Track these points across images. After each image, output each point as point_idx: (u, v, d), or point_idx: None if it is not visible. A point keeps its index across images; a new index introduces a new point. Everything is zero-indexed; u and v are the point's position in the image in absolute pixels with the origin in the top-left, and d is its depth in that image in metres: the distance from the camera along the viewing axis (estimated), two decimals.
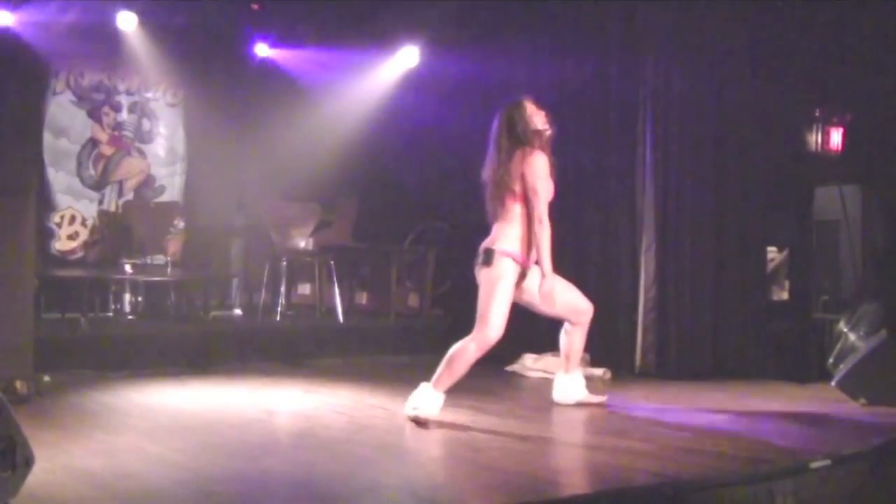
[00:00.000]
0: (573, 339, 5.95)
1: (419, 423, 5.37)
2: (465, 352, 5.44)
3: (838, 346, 6.60)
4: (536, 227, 5.50)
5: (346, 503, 3.87)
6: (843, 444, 4.95)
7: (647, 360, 7.52)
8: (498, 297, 5.45)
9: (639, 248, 7.65)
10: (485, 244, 5.59)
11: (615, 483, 4.23)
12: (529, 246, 5.57)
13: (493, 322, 5.43)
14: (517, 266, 5.55)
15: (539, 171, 5.52)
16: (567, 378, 6.05)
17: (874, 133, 7.61)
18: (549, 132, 5.66)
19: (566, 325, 5.95)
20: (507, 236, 5.55)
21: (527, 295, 5.64)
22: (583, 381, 6.10)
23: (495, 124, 5.71)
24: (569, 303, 5.82)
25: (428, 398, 5.43)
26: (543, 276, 5.51)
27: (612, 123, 7.93)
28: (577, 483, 4.56)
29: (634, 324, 7.64)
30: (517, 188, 5.53)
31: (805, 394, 6.70)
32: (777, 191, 7.69)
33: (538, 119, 5.65)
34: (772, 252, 8.21)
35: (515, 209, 5.56)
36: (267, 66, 10.34)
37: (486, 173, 5.71)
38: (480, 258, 5.56)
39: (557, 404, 6.04)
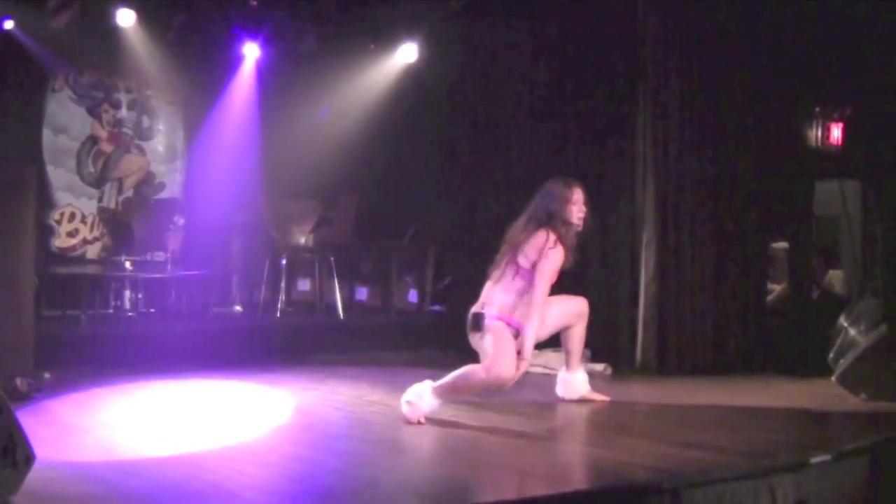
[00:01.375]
0: (573, 335, 5.96)
1: (409, 420, 5.29)
2: (474, 376, 5.37)
3: (838, 342, 6.60)
4: (533, 312, 5.42)
5: (346, 499, 3.87)
6: (843, 440, 4.96)
7: (648, 356, 7.52)
8: (503, 354, 5.36)
9: (639, 244, 7.65)
10: (474, 308, 5.57)
11: (615, 478, 4.23)
12: (520, 315, 5.50)
13: (500, 363, 5.32)
14: (505, 325, 5.49)
15: (553, 266, 5.52)
16: (570, 375, 6.06)
17: (874, 128, 7.61)
18: (579, 228, 5.68)
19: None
20: (495, 301, 5.52)
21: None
22: (586, 378, 6.10)
23: (542, 189, 5.76)
24: (561, 315, 5.84)
25: (426, 398, 5.33)
26: (521, 358, 5.38)
27: (611, 119, 7.91)
28: (577, 478, 4.55)
29: (635, 319, 7.64)
30: (524, 265, 5.53)
31: (805, 389, 6.70)
32: (777, 186, 7.68)
33: (576, 210, 5.68)
34: (781, 249, 8.22)
35: (516, 280, 5.54)
36: (266, 63, 10.34)
37: (510, 232, 5.71)
38: (470, 323, 5.53)
39: (560, 400, 6.05)
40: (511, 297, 5.53)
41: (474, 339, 5.54)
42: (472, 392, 5.53)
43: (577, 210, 5.68)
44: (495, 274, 5.64)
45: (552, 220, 5.60)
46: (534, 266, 5.51)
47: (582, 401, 6.01)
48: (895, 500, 4.76)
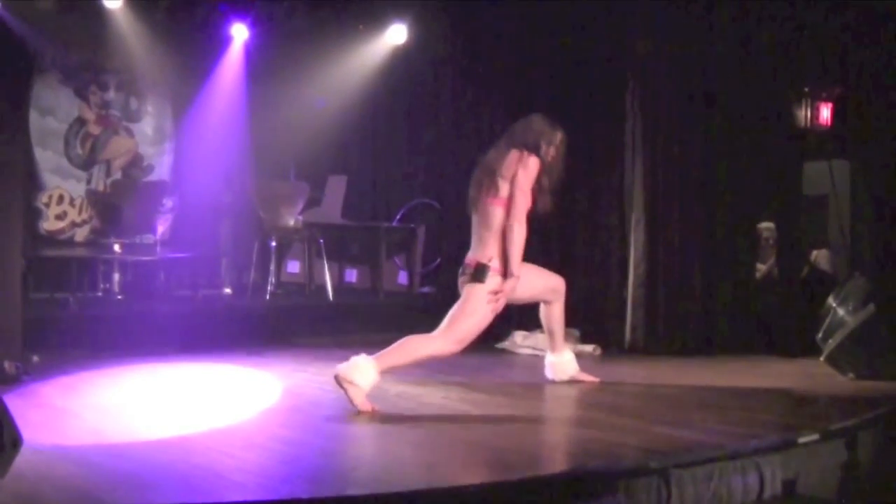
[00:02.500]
0: (553, 314, 5.90)
1: (342, 389, 5.13)
2: (425, 347, 5.28)
3: (827, 321, 6.62)
4: (514, 226, 5.35)
5: (335, 481, 3.88)
6: (831, 419, 4.97)
7: (637, 336, 7.53)
8: (477, 319, 5.32)
9: (628, 224, 7.66)
10: (476, 257, 5.44)
11: (604, 459, 4.23)
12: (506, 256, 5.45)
13: (461, 338, 5.29)
14: (500, 279, 5.41)
15: (530, 172, 5.43)
16: (556, 357, 6.04)
17: (863, 108, 7.61)
18: (552, 170, 5.60)
19: (542, 307, 5.93)
20: (497, 251, 5.41)
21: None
22: (573, 358, 6.09)
23: (524, 121, 5.70)
24: (544, 284, 5.79)
25: (364, 372, 5.14)
26: (509, 275, 5.35)
27: (599, 97, 7.91)
28: (565, 459, 4.57)
29: (624, 300, 7.65)
30: (504, 191, 5.43)
31: (793, 369, 6.73)
32: (766, 166, 7.68)
33: (553, 151, 5.62)
34: (767, 229, 8.23)
35: (497, 216, 5.43)
36: (255, 45, 10.29)
37: (486, 157, 5.64)
38: (470, 272, 5.40)
39: (548, 381, 6.05)
40: (500, 236, 5.41)
41: (467, 287, 5.40)
42: (415, 362, 5.35)
43: (554, 152, 5.61)
44: (480, 213, 5.51)
45: (529, 148, 5.52)
46: (514, 185, 5.40)
47: (571, 381, 6.02)
48: (877, 479, 4.79)
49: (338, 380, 5.15)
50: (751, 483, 4.18)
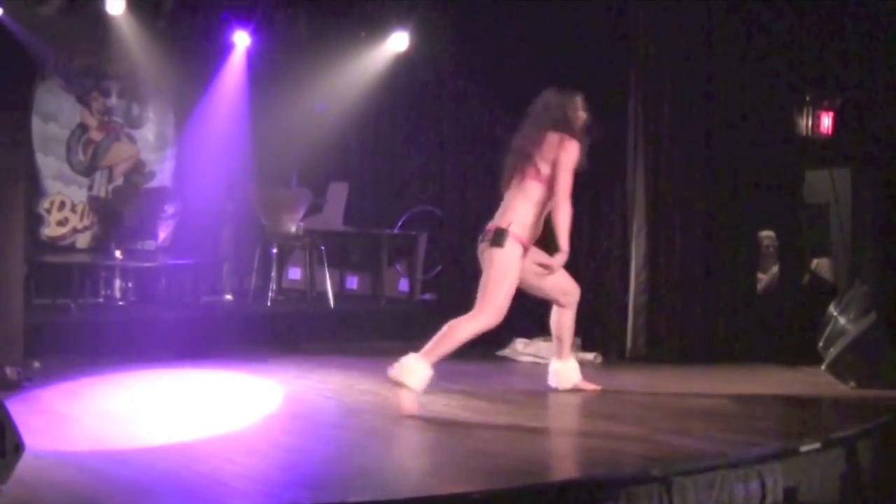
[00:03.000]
0: (563, 322, 5.94)
1: (400, 386, 5.22)
2: (465, 329, 5.36)
3: (828, 330, 6.62)
4: (563, 205, 5.47)
5: (336, 488, 3.87)
6: (832, 428, 4.97)
7: (638, 344, 7.53)
8: (507, 283, 5.41)
9: (630, 232, 7.66)
10: (496, 222, 5.54)
11: (606, 467, 4.24)
12: (535, 231, 5.57)
13: (499, 305, 5.38)
14: (522, 249, 5.52)
15: (573, 157, 5.54)
16: (561, 365, 6.04)
17: (864, 116, 7.62)
18: (582, 137, 5.68)
19: (554, 309, 5.95)
20: (519, 218, 5.50)
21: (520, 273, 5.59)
22: (577, 366, 6.10)
23: (542, 100, 5.76)
24: (557, 282, 5.81)
25: (416, 369, 5.25)
26: (560, 251, 5.48)
27: (602, 104, 7.90)
28: (567, 467, 4.57)
29: (625, 307, 7.64)
30: (545, 170, 5.53)
31: (795, 377, 6.73)
32: (767, 174, 7.69)
33: (581, 117, 5.72)
34: (767, 237, 8.23)
35: (536, 190, 5.55)
36: (257, 51, 10.30)
37: (517, 141, 5.70)
38: (490, 237, 5.49)
39: (550, 389, 6.05)
40: (532, 214, 5.53)
41: (487, 253, 5.49)
42: (461, 343, 5.40)
43: (578, 114, 5.70)
44: (514, 183, 5.62)
45: (556, 126, 5.61)
46: (553, 165, 5.51)
47: (574, 390, 6.01)
48: (878, 487, 4.79)
49: (391, 381, 5.27)
50: (752, 491, 4.18)
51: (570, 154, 5.54)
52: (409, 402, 5.23)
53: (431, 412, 5.33)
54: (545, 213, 5.61)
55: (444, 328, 5.38)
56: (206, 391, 6.18)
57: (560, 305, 5.90)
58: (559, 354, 6.04)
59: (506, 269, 5.42)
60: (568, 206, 5.51)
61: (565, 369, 6.04)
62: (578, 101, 5.76)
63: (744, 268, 7.73)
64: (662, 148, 7.55)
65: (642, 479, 3.98)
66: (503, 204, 5.64)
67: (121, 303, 8.91)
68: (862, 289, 6.67)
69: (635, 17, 7.66)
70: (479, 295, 5.44)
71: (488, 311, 5.38)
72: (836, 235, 8.57)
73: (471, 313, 5.41)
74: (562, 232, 5.49)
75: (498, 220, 5.54)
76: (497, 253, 5.44)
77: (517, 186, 5.60)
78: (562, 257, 5.51)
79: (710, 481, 4.07)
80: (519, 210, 5.53)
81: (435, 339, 5.36)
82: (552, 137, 5.57)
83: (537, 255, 5.68)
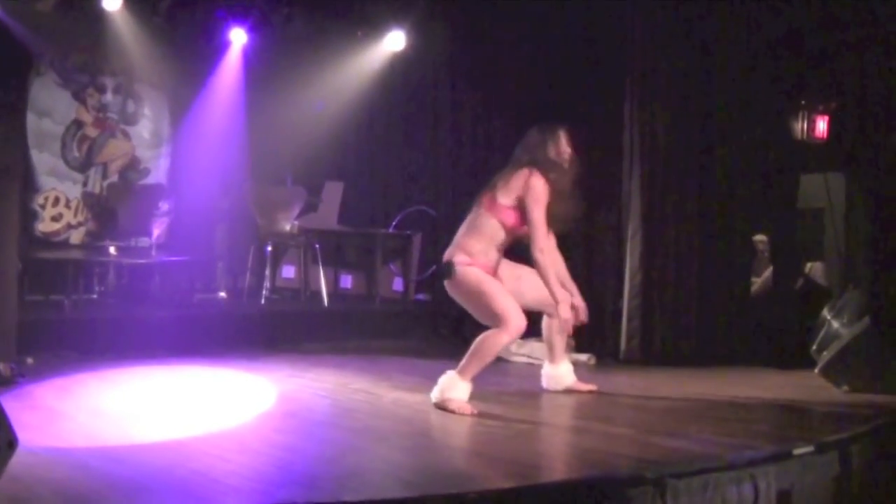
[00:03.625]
0: (554, 328, 5.93)
1: (447, 410, 5.27)
2: (496, 342, 5.34)
3: (822, 334, 6.63)
4: (537, 257, 5.37)
5: (330, 487, 3.87)
6: (825, 431, 4.98)
7: (632, 346, 7.55)
8: (493, 293, 5.34)
9: (624, 235, 7.67)
10: (445, 256, 5.52)
11: (599, 468, 4.24)
12: (488, 257, 5.46)
13: (511, 313, 5.31)
14: (479, 268, 5.43)
15: (537, 193, 5.40)
16: (553, 369, 6.06)
17: (859, 121, 7.63)
18: (565, 167, 5.59)
19: (546, 317, 5.94)
20: (468, 251, 5.43)
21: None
22: (570, 368, 6.10)
23: (524, 139, 5.71)
24: (538, 297, 5.72)
25: (456, 387, 5.31)
26: (558, 301, 5.39)
27: (597, 106, 7.92)
28: (561, 468, 4.57)
29: (619, 310, 7.66)
30: (503, 201, 5.45)
31: (788, 380, 6.73)
32: (762, 178, 7.70)
33: (564, 154, 5.62)
34: (761, 241, 8.25)
35: (488, 225, 5.46)
36: (253, 49, 10.29)
37: (494, 179, 5.64)
38: (442, 272, 5.49)
39: (545, 390, 6.06)
40: (483, 240, 5.43)
41: (451, 290, 5.47)
42: (496, 353, 5.43)
43: (561, 150, 5.61)
44: (472, 211, 5.56)
45: (535, 164, 5.51)
46: (518, 202, 5.41)
47: (568, 391, 6.02)
48: (871, 491, 4.80)
49: (439, 406, 5.32)
50: (746, 494, 4.19)
51: (534, 193, 5.39)
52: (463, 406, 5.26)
53: (425, 412, 5.33)
54: (503, 244, 5.52)
55: (476, 343, 5.38)
56: (200, 389, 6.18)
57: (551, 315, 5.88)
58: (551, 359, 6.05)
59: (477, 286, 5.37)
60: (543, 255, 5.38)
61: (557, 373, 6.05)
62: (561, 136, 5.65)
63: (738, 271, 7.75)
64: (657, 152, 7.56)
65: (635, 482, 3.98)
66: (460, 229, 5.58)
67: (114, 300, 8.89)
68: (856, 293, 6.69)
69: (631, 20, 7.67)
70: (487, 320, 5.41)
71: (507, 321, 5.30)
72: (829, 239, 8.59)
73: (495, 329, 5.38)
74: (549, 283, 5.40)
75: (447, 252, 5.52)
76: (454, 284, 5.43)
77: (475, 215, 5.52)
78: (564, 308, 5.40)
79: (703, 484, 4.08)
80: (468, 243, 5.46)
81: (468, 354, 5.37)
82: (522, 172, 5.49)
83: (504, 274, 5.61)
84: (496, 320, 5.34)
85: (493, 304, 5.33)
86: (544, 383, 6.08)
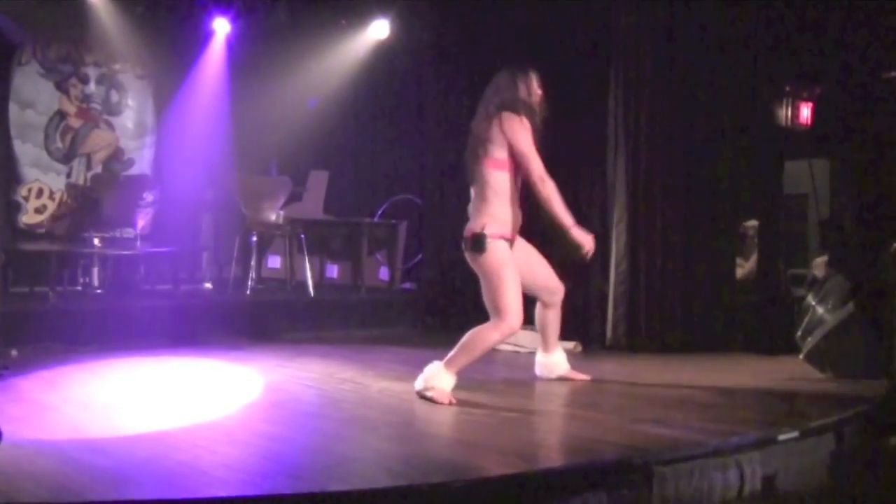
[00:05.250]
0: (548, 319, 5.92)
1: (429, 400, 5.26)
2: (486, 339, 5.34)
3: (806, 319, 6.66)
4: (539, 186, 5.34)
5: (317, 477, 3.87)
6: (809, 417, 5.00)
7: (618, 333, 7.56)
8: (507, 282, 5.30)
9: (610, 223, 7.67)
10: (471, 226, 5.38)
11: (586, 456, 4.25)
12: (514, 221, 5.44)
13: (511, 310, 5.28)
14: (508, 243, 5.42)
15: (517, 130, 5.35)
16: (547, 357, 6.06)
17: (843, 107, 7.65)
18: (536, 112, 5.54)
19: (539, 305, 5.94)
20: (492, 215, 5.34)
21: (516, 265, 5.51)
22: (564, 357, 6.09)
23: (493, 81, 5.63)
24: (547, 281, 5.78)
25: (440, 378, 5.30)
26: (568, 228, 5.42)
27: (583, 94, 7.92)
28: (547, 456, 4.57)
29: (605, 297, 7.68)
30: (500, 155, 5.37)
31: (773, 366, 6.76)
32: (747, 164, 7.72)
33: (534, 95, 5.58)
34: (752, 227, 8.27)
35: (499, 178, 5.37)
36: (237, 38, 10.25)
37: (473, 126, 5.57)
38: (469, 245, 5.34)
39: (530, 378, 6.06)
40: (504, 206, 5.37)
41: (473, 262, 5.39)
42: (486, 351, 5.43)
43: (532, 91, 5.56)
44: (477, 175, 5.44)
45: (506, 106, 5.44)
46: (510, 148, 5.36)
47: (561, 379, 6.02)
48: (859, 477, 4.82)
49: (420, 395, 5.32)
50: (731, 479, 4.21)
51: (513, 131, 5.35)
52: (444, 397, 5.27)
53: (412, 401, 5.33)
54: (518, 197, 5.49)
55: (466, 337, 5.36)
56: (185, 380, 6.17)
57: (545, 304, 5.88)
58: (544, 347, 6.05)
59: (498, 269, 5.31)
60: (545, 184, 5.35)
61: (550, 361, 6.05)
62: (531, 77, 5.60)
63: (723, 258, 7.76)
64: (642, 139, 7.57)
65: (622, 468, 3.99)
66: (472, 202, 5.49)
67: (99, 291, 8.87)
68: (840, 278, 6.71)
69: (616, 9, 7.67)
70: (488, 304, 5.36)
71: (504, 317, 5.28)
72: (813, 225, 8.62)
73: (491, 322, 5.35)
74: (555, 210, 5.39)
75: (472, 224, 5.39)
76: (482, 259, 5.33)
77: (480, 179, 5.42)
78: (579, 233, 5.46)
79: (688, 470, 4.09)
80: (489, 208, 5.36)
81: (458, 347, 5.36)
82: (494, 122, 5.41)
83: (530, 252, 5.67)
84: (496, 311, 5.32)
85: (501, 296, 5.29)
86: (537, 371, 6.08)
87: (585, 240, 5.52)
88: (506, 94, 5.52)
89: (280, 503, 3.54)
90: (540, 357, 6.09)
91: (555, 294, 5.86)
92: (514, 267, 5.37)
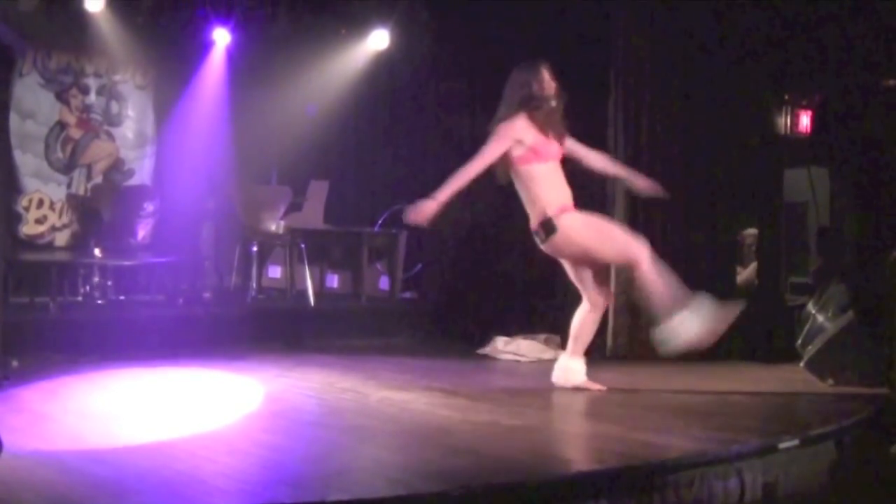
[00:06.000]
0: (586, 323, 5.95)
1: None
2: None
3: (806, 327, 6.66)
4: (590, 154, 5.84)
5: (317, 486, 3.87)
6: (810, 425, 5.00)
7: (619, 342, 7.55)
8: (604, 235, 5.64)
9: None
10: (535, 220, 5.67)
11: (586, 465, 4.25)
12: (567, 194, 5.73)
13: (631, 245, 5.63)
14: (572, 212, 5.68)
15: (492, 137, 5.64)
16: (571, 361, 6.00)
17: (842, 115, 7.66)
18: (553, 102, 5.71)
19: (582, 308, 5.95)
20: (545, 201, 5.64)
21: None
22: (583, 367, 6.04)
23: (510, 80, 5.85)
24: (602, 282, 5.91)
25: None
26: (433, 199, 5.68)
27: (582, 102, 7.91)
28: (548, 465, 4.57)
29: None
30: (518, 152, 5.64)
31: (774, 375, 6.76)
32: (746, 173, 7.73)
33: (545, 85, 5.70)
34: (751, 235, 8.28)
35: (535, 169, 5.66)
36: (237, 49, 10.26)
37: (495, 127, 5.79)
38: (543, 236, 5.63)
39: (531, 387, 6.06)
40: (553, 187, 5.68)
41: (554, 248, 5.68)
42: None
43: (545, 85, 5.70)
44: (514, 173, 5.73)
45: (524, 104, 5.67)
46: (529, 146, 5.62)
47: (577, 390, 5.98)
48: (860, 485, 4.82)
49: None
50: (731, 488, 4.21)
51: (492, 136, 5.64)
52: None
53: (413, 410, 5.33)
54: (562, 174, 5.74)
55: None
56: (185, 390, 6.16)
57: (590, 304, 5.91)
58: (571, 351, 6.01)
59: (586, 227, 5.64)
60: (472, 164, 5.65)
61: (572, 367, 6.00)
62: (543, 71, 5.78)
63: (723, 266, 7.76)
64: (642, 146, 7.57)
65: (623, 477, 3.99)
66: (524, 200, 5.76)
67: (100, 301, 8.85)
68: (840, 286, 6.71)
69: (616, 15, 7.68)
70: (615, 258, 5.76)
71: (637, 256, 5.59)
72: (813, 233, 8.63)
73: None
74: (614, 168, 5.96)
75: (535, 218, 5.68)
76: (561, 238, 5.60)
77: (516, 179, 5.72)
78: (638, 178, 5.84)
79: (689, 479, 4.10)
80: (538, 198, 5.66)
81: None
82: (521, 119, 5.67)
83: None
84: (625, 252, 5.61)
85: (616, 239, 5.66)
86: (555, 374, 6.04)
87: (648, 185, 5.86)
88: (523, 91, 5.72)
89: None
90: (563, 360, 6.05)
91: (602, 296, 5.95)
92: (590, 218, 5.72)
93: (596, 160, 6.01)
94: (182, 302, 8.91)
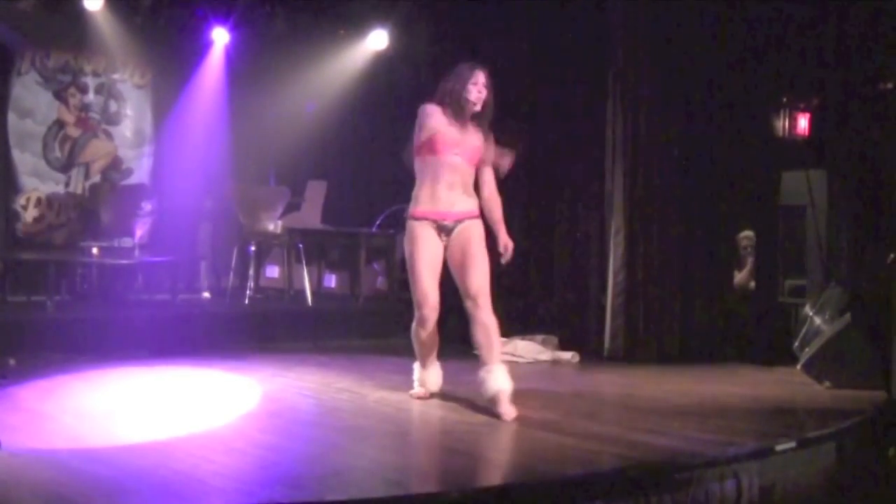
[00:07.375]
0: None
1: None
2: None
3: (804, 330, 6.66)
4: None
5: (314, 487, 3.87)
6: (807, 427, 5.01)
7: (616, 344, 7.55)
8: (409, 263, 5.55)
9: (607, 232, 7.68)
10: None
11: (583, 466, 4.25)
12: (439, 198, 5.55)
13: (421, 298, 5.50)
14: (428, 223, 5.54)
15: (418, 119, 5.56)
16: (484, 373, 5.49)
17: (840, 118, 7.66)
18: (476, 108, 5.52)
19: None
20: (415, 194, 5.67)
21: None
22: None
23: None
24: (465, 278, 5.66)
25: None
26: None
27: (581, 104, 7.94)
28: (544, 466, 4.57)
29: (603, 308, 7.67)
30: (420, 140, 5.59)
31: (771, 377, 6.77)
32: (744, 175, 7.73)
33: (474, 89, 5.53)
34: (746, 237, 8.28)
35: (420, 161, 5.65)
36: (235, 48, 10.26)
37: None
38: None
39: (527, 388, 6.05)
40: (422, 181, 5.68)
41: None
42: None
43: (474, 90, 5.54)
44: None
45: (443, 96, 5.55)
46: (430, 135, 5.55)
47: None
48: (857, 487, 4.82)
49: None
50: (728, 490, 4.21)
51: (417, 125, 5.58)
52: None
53: (408, 411, 5.34)
54: (455, 180, 5.63)
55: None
56: (183, 389, 6.16)
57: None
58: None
59: (407, 250, 5.71)
60: (492, 192, 5.69)
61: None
62: (478, 75, 5.57)
63: (721, 269, 7.77)
64: (640, 149, 7.57)
65: (619, 479, 4.00)
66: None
67: (97, 300, 8.86)
68: (837, 290, 6.72)
69: (614, 18, 7.68)
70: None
71: (416, 306, 5.66)
72: (811, 236, 8.62)
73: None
74: (491, 216, 5.72)
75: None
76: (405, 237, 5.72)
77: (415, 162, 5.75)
78: (502, 233, 5.65)
79: (686, 480, 4.09)
80: (416, 188, 5.72)
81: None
82: (431, 105, 5.61)
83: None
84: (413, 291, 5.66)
85: (413, 274, 5.68)
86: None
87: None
88: (450, 83, 5.60)
89: None
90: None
91: (467, 299, 5.56)
92: (420, 247, 5.53)
93: (487, 196, 5.68)
94: (179, 301, 8.91)
